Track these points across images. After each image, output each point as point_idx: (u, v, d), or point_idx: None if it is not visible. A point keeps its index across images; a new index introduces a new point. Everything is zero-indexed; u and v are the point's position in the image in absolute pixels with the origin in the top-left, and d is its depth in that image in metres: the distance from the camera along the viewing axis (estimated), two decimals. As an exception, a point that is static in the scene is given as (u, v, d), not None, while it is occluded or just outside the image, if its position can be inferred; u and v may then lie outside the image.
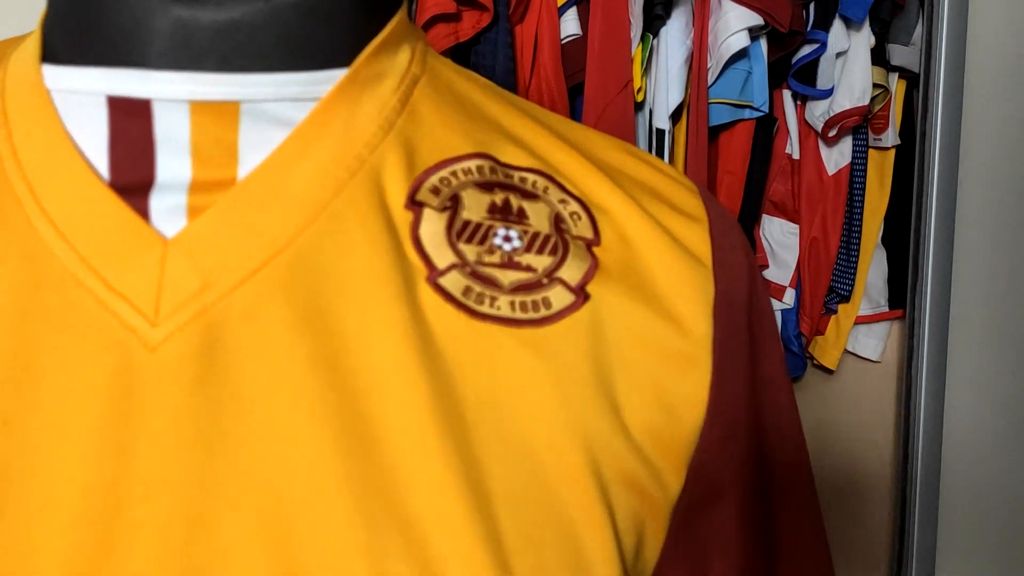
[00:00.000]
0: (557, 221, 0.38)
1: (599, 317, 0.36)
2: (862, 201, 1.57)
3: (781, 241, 1.59)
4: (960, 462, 1.54)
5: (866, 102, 1.43)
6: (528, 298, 0.35)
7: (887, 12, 1.43)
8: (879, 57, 1.48)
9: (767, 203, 1.56)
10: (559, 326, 0.35)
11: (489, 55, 1.05)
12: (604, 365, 0.36)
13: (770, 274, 1.58)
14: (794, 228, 1.60)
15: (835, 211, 1.57)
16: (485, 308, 0.35)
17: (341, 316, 0.33)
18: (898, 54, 1.49)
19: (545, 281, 0.36)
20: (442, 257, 0.35)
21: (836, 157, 1.54)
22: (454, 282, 0.35)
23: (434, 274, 0.35)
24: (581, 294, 0.36)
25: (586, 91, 1.16)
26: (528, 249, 0.36)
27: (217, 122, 0.34)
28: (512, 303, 0.35)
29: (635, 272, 0.38)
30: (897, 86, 1.54)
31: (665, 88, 1.22)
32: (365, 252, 0.34)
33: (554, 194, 0.39)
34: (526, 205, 0.38)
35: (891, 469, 1.67)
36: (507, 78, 1.05)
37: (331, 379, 0.32)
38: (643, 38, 1.22)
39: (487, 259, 0.36)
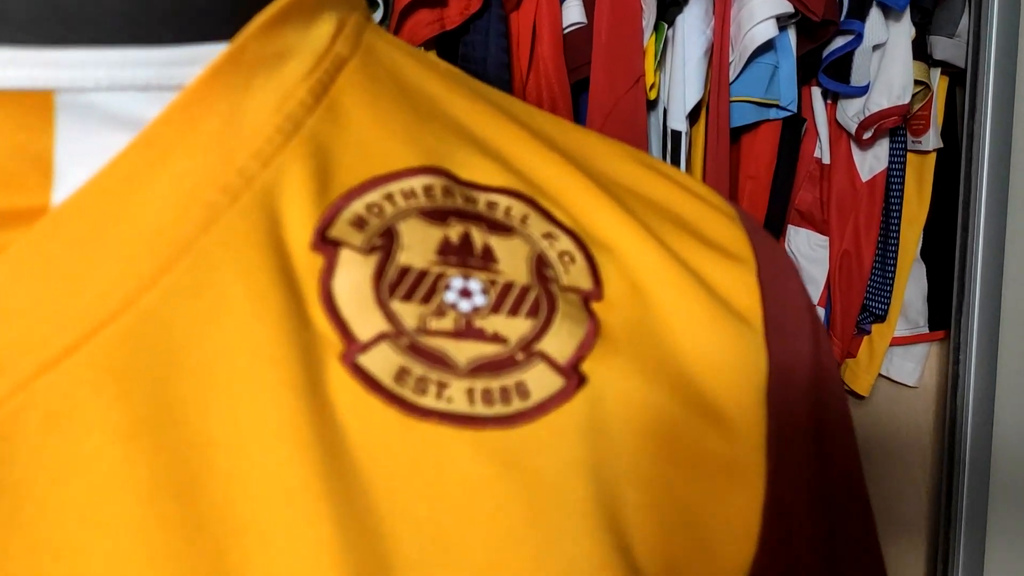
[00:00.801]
0: (540, 265, 0.27)
1: (600, 409, 0.25)
2: (899, 210, 1.49)
3: (809, 255, 1.50)
4: (1010, 501, 1.44)
5: (906, 100, 1.35)
6: (495, 384, 0.25)
7: (930, 1, 1.34)
8: (920, 51, 1.43)
9: (793, 212, 1.47)
10: (540, 425, 0.25)
11: (480, 46, 0.95)
12: (607, 482, 0.25)
13: (797, 291, 1.47)
14: (823, 240, 1.52)
15: (869, 221, 1.49)
16: (429, 400, 0.24)
17: (203, 418, 0.23)
18: (941, 47, 1.41)
19: (520, 357, 0.25)
20: (366, 323, 0.24)
21: (871, 162, 1.47)
22: (383, 361, 0.24)
23: (353, 349, 0.24)
24: (574, 375, 0.25)
25: (591, 88, 1.06)
26: (496, 308, 0.26)
27: (20, 121, 0.23)
28: (470, 392, 0.24)
29: (653, 340, 0.27)
30: (939, 83, 1.46)
31: (681, 84, 1.12)
32: (245, 316, 0.23)
33: (537, 225, 0.28)
34: (495, 242, 0.27)
35: (930, 506, 1.58)
36: (500, 73, 0.95)
37: (184, 520, 0.22)
38: (657, 28, 1.12)
39: (435, 325, 0.25)
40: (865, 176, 1.48)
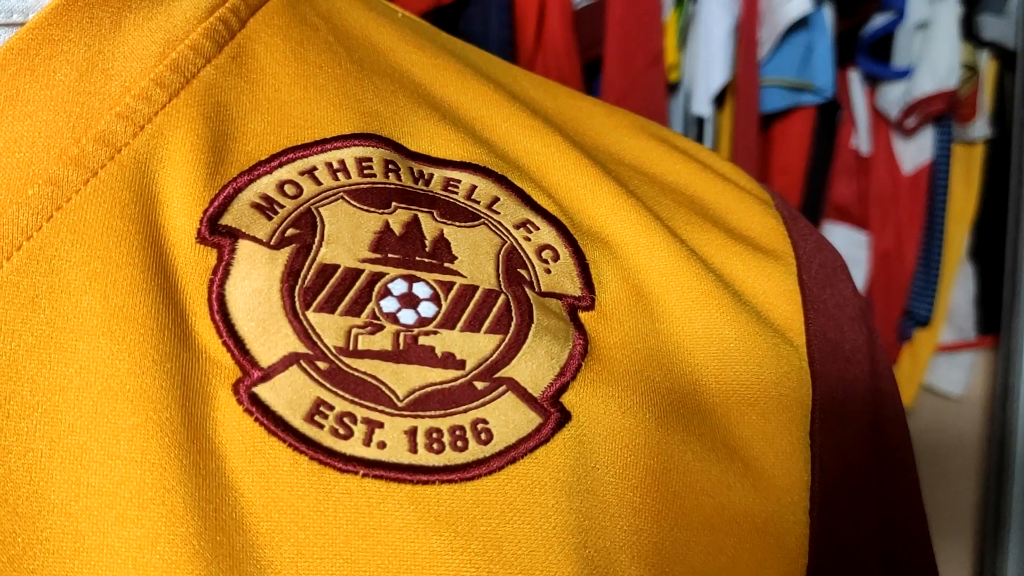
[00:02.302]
0: (511, 264, 0.21)
1: (589, 456, 0.20)
2: (944, 206, 1.44)
3: (846, 253, 1.42)
4: (1066, 524, 1.38)
5: (953, 84, 1.29)
6: (445, 423, 0.19)
7: (979, -26, 1.28)
8: (966, 30, 1.36)
9: (829, 207, 1.41)
10: (506, 479, 0.19)
11: (479, 21, 0.89)
12: (598, 553, 0.19)
13: (832, 294, 1.42)
14: (862, 237, 1.46)
15: (912, 218, 1.44)
16: (355, 446, 0.19)
17: (36, 484, 0.17)
18: (990, 26, 1.36)
19: (481, 386, 0.20)
20: (271, 341, 0.19)
21: (914, 152, 1.41)
22: (292, 392, 0.19)
23: (251, 376, 0.19)
24: (552, 411, 0.20)
25: (604, 69, 1.00)
26: (450, 321, 0.20)
27: None
28: (411, 434, 0.19)
29: (661, 362, 0.21)
30: (988, 66, 1.40)
31: (706, 65, 1.07)
32: (97, 336, 0.18)
33: (510, 211, 0.22)
34: (453, 233, 0.21)
35: (977, 524, 1.51)
36: (503, 51, 0.89)
37: None
38: (678, 2, 1.06)
39: (366, 343, 0.20)
40: (908, 168, 1.42)
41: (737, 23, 1.10)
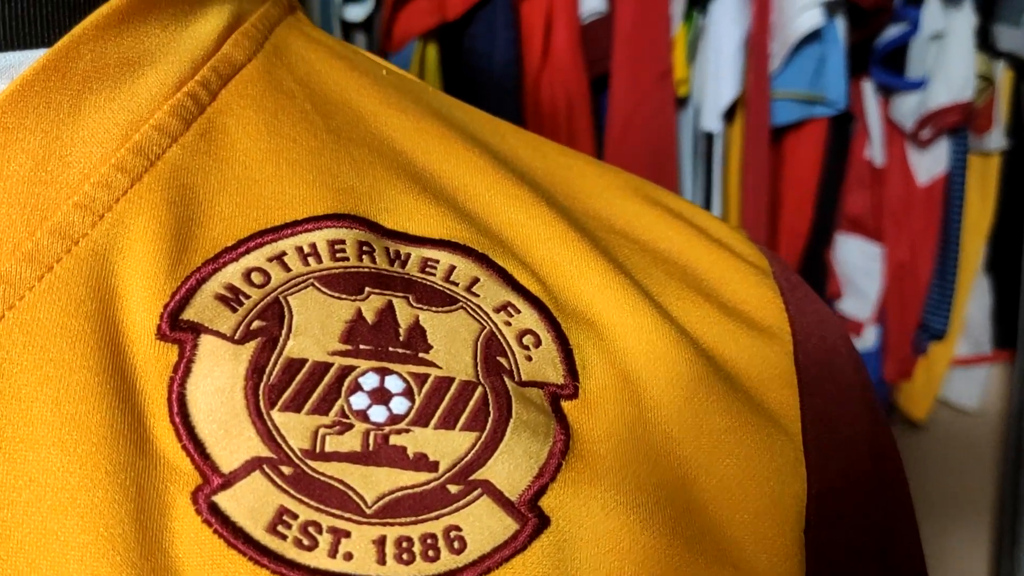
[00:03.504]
0: (490, 352, 0.20)
1: (569, 563, 0.19)
2: (960, 218, 1.43)
3: (860, 266, 1.43)
4: (1084, 542, 1.36)
5: (968, 96, 1.27)
6: (416, 531, 0.18)
7: (994, -16, 1.27)
8: (982, 41, 1.34)
9: (843, 219, 1.40)
10: (480, 591, 0.18)
11: (485, 39, 0.88)
12: None
13: (847, 307, 1.41)
14: (876, 250, 1.44)
15: (927, 230, 1.43)
16: (319, 557, 0.18)
17: None
18: (1006, 37, 1.35)
19: (455, 490, 0.19)
20: (233, 445, 0.18)
21: (929, 164, 1.39)
22: (254, 500, 0.18)
23: (213, 482, 0.18)
24: (530, 516, 0.19)
25: (612, 84, 0.99)
26: (423, 418, 0.19)
27: None
28: (380, 543, 0.18)
29: (649, 456, 0.20)
30: (1004, 76, 1.39)
31: (715, 80, 1.06)
32: (47, 446, 0.17)
33: (490, 293, 0.21)
34: (429, 320, 0.20)
35: (992, 544, 1.50)
36: (508, 68, 0.88)
37: None
38: (687, 16, 1.05)
39: (333, 444, 0.19)
40: (922, 179, 1.40)
41: (747, 36, 1.08)
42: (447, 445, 0.19)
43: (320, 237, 0.21)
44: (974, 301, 1.46)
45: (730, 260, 0.25)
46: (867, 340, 1.41)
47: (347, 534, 0.18)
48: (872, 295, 1.42)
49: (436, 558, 0.18)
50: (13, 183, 0.19)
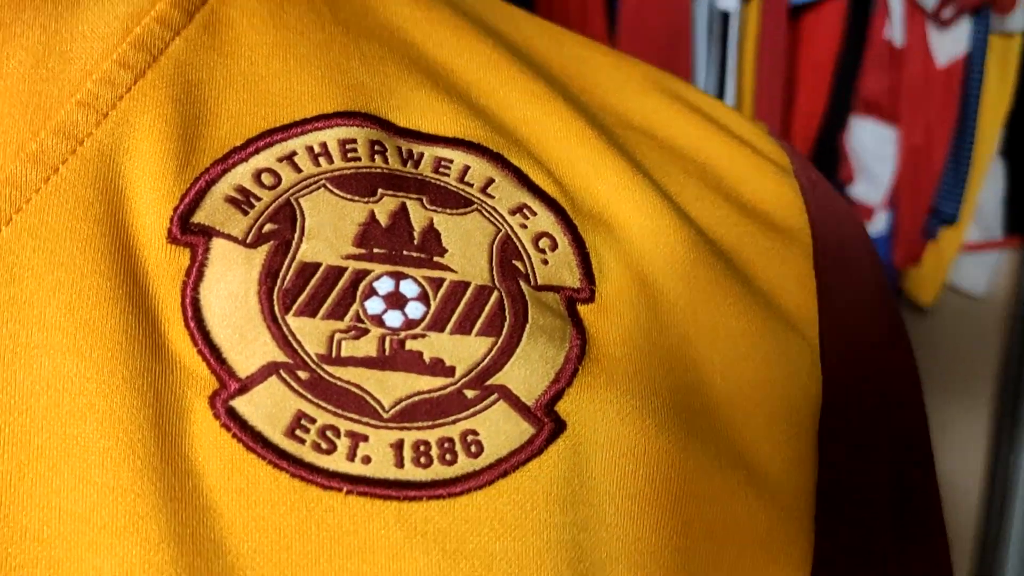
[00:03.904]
0: (505, 255, 0.20)
1: (585, 466, 0.19)
2: (978, 101, 1.39)
3: (874, 150, 1.41)
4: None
5: (994, -27, 1.21)
6: (433, 435, 0.18)
7: None
8: None
9: (859, 101, 1.37)
10: (496, 493, 0.18)
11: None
12: (595, 564, 0.19)
13: (858, 192, 1.40)
14: (891, 133, 1.42)
15: (944, 113, 1.40)
16: (337, 461, 0.18)
17: (15, 497, 0.17)
18: None
19: (471, 395, 0.19)
20: (249, 350, 0.18)
21: (949, 45, 1.35)
22: (272, 405, 0.18)
23: (230, 387, 0.18)
24: (546, 421, 0.19)
25: (628, -39, 0.95)
26: (440, 323, 0.19)
27: None
28: (398, 447, 0.18)
29: (665, 359, 0.20)
30: None
31: (733, -45, 1.01)
32: (62, 352, 0.17)
33: (505, 195, 0.21)
34: (444, 222, 0.20)
35: (993, 421, 1.52)
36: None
37: None
38: None
39: (349, 349, 0.18)
40: (941, 61, 1.36)
41: (768, -90, 1.04)
42: (463, 350, 0.19)
43: (331, 136, 0.20)
44: (987, 186, 1.44)
45: (750, 157, 0.24)
46: (877, 225, 1.40)
47: (365, 438, 0.18)
48: (884, 180, 1.40)
49: (453, 461, 0.18)
50: (13, 81, 0.18)
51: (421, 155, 0.21)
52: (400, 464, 0.18)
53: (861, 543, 0.21)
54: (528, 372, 0.19)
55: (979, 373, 1.51)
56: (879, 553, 0.21)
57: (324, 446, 0.18)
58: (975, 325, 1.51)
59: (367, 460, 0.18)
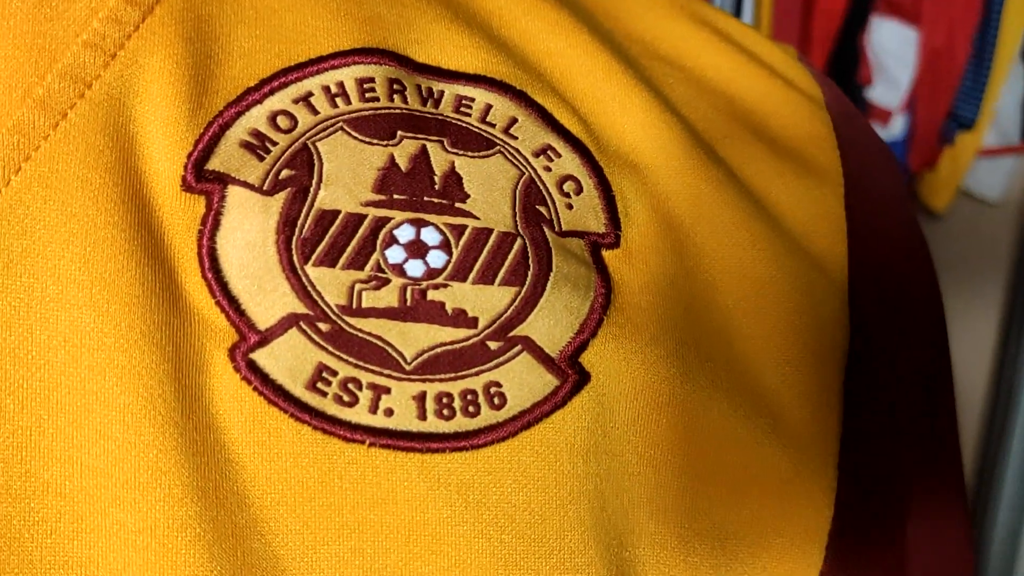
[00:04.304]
0: (529, 200, 0.20)
1: (609, 418, 0.19)
2: (1002, 2, 1.34)
3: (894, 51, 1.37)
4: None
5: None
6: (456, 387, 0.18)
7: None
8: None
9: (880, 1, 1.33)
10: (519, 445, 0.18)
11: None
12: (617, 514, 0.19)
13: (876, 94, 1.37)
14: (912, 34, 1.38)
15: (966, 13, 1.35)
16: (360, 413, 0.18)
17: (37, 452, 0.16)
18: None
19: (495, 346, 0.18)
20: (268, 301, 0.18)
21: (977, -59, 1.29)
22: (293, 358, 0.17)
23: (249, 339, 0.17)
24: (570, 372, 0.18)
25: None
26: (462, 272, 0.19)
27: None
28: (420, 399, 0.18)
29: (692, 306, 0.20)
30: None
31: None
32: (78, 306, 0.17)
33: (529, 135, 0.20)
34: (466, 166, 0.19)
35: (1001, 327, 1.52)
36: None
37: None
38: None
39: (371, 300, 0.18)
40: (967, -41, 1.31)
41: None
42: (486, 300, 0.18)
43: (348, 75, 0.19)
44: (1007, 90, 1.41)
45: (782, 91, 0.23)
46: (894, 129, 1.38)
47: (387, 390, 0.18)
48: (903, 82, 1.37)
49: (476, 413, 0.18)
50: (17, 21, 0.17)
51: (441, 93, 0.20)
52: (423, 416, 0.18)
53: (884, 487, 0.21)
54: (552, 323, 0.18)
55: (989, 279, 1.51)
56: (901, 497, 0.21)
57: (346, 398, 0.17)
58: (986, 231, 1.50)
59: (389, 412, 0.17)
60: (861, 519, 0.20)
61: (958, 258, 1.49)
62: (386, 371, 0.18)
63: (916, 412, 0.21)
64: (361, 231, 0.18)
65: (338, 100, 0.19)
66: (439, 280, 0.18)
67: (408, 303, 0.18)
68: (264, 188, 0.18)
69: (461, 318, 0.18)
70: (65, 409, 0.16)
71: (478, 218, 0.19)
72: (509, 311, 0.18)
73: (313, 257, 0.18)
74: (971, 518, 0.25)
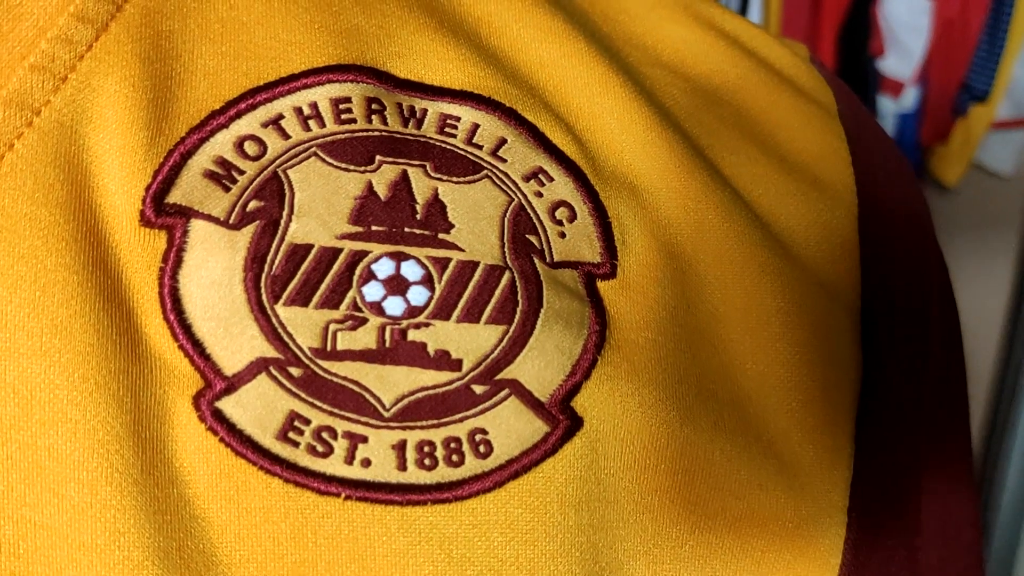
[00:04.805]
0: (518, 228, 0.18)
1: (603, 464, 0.18)
2: (1020, -30, 1.30)
3: (907, 22, 1.34)
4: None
5: None
6: (438, 435, 0.17)
7: None
8: None
9: (893, -29, 1.30)
10: (507, 496, 0.17)
11: None
12: (612, 563, 0.17)
13: (888, 66, 1.34)
14: (925, 4, 1.35)
15: (982, -17, 1.31)
16: (335, 464, 0.16)
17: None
18: None
19: (480, 390, 0.17)
20: (235, 344, 0.16)
21: (993, -92, 1.26)
22: (262, 406, 0.16)
23: (215, 386, 0.16)
24: (561, 417, 0.17)
25: None
26: (445, 309, 0.17)
27: None
28: (400, 448, 0.17)
29: (693, 341, 0.18)
30: None
31: None
32: (31, 352, 0.15)
33: (519, 157, 0.19)
34: (450, 192, 0.18)
35: (1012, 302, 1.51)
36: None
37: None
38: None
39: (346, 342, 0.17)
40: (984, -74, 1.28)
41: None
42: (471, 341, 0.17)
43: (322, 95, 0.18)
44: (1021, 61, 1.38)
45: (792, 99, 0.22)
46: (906, 101, 1.35)
47: (364, 439, 0.16)
48: (916, 53, 1.34)
49: (460, 463, 0.17)
50: None
51: (424, 112, 0.18)
52: (403, 466, 0.16)
53: (897, 535, 0.19)
54: (542, 365, 0.17)
55: (1000, 253, 1.49)
56: (915, 546, 0.20)
57: (320, 449, 0.16)
58: (998, 205, 1.47)
59: (367, 463, 0.16)
60: (870, 569, 0.19)
61: (969, 232, 1.47)
62: (363, 418, 0.16)
63: (932, 448, 0.20)
64: (336, 266, 0.17)
65: (311, 123, 0.17)
66: (420, 319, 0.17)
67: (387, 344, 0.17)
68: (230, 222, 0.16)
69: (444, 360, 0.17)
70: (16, 465, 0.15)
71: (463, 250, 0.17)
72: (496, 352, 0.17)
73: (284, 296, 0.16)
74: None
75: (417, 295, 0.17)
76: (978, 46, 1.34)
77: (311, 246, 0.17)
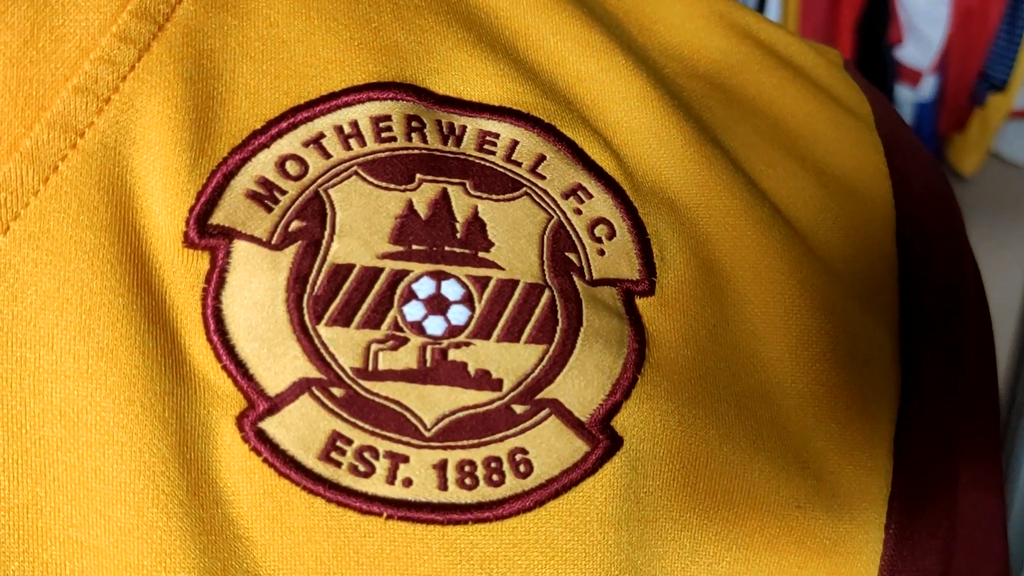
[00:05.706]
0: (557, 246, 0.18)
1: (643, 484, 0.17)
2: (1041, -43, 1.28)
3: (925, 11, 1.33)
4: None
5: None
6: (479, 454, 0.17)
7: None
8: None
9: (912, -41, 1.28)
10: (547, 516, 0.17)
11: None
12: None
13: (907, 54, 1.33)
14: (944, -7, 1.33)
15: (1002, -29, 1.29)
16: (376, 484, 0.16)
17: (35, 531, 0.15)
18: None
19: (520, 410, 0.17)
20: (278, 364, 0.16)
21: None
22: (304, 427, 0.16)
23: (258, 407, 0.16)
24: (601, 437, 0.17)
25: None
26: (486, 329, 0.17)
27: None
28: (441, 468, 0.17)
29: (733, 359, 0.18)
30: None
31: None
32: (78, 374, 0.15)
33: (558, 174, 0.18)
34: (488, 210, 0.18)
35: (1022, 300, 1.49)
36: None
37: None
38: None
39: (386, 361, 0.17)
40: (1005, -86, 1.26)
41: None
42: (511, 360, 0.17)
43: (362, 113, 0.17)
44: (1043, 50, 1.36)
45: (828, 110, 0.21)
46: (924, 90, 1.34)
47: (405, 459, 0.16)
48: (935, 42, 1.33)
49: (501, 482, 0.16)
50: (0, 66, 0.15)
51: (463, 129, 0.18)
52: (443, 486, 0.16)
53: (934, 554, 0.19)
54: (582, 384, 0.17)
55: (1017, 243, 1.47)
56: (946, 558, 0.20)
57: (362, 468, 0.16)
58: (1016, 195, 1.46)
59: (408, 482, 0.16)
60: None
61: (986, 221, 1.45)
62: (404, 438, 0.16)
63: (967, 461, 0.20)
64: (377, 286, 0.17)
65: (352, 141, 0.17)
66: (461, 338, 0.17)
67: (428, 364, 0.17)
68: (273, 242, 0.16)
69: (484, 380, 0.17)
70: (63, 487, 0.15)
71: (503, 268, 0.17)
72: (536, 371, 0.17)
73: (326, 316, 0.16)
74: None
75: (458, 314, 0.17)
76: (997, 35, 1.33)
77: (352, 266, 0.17)
